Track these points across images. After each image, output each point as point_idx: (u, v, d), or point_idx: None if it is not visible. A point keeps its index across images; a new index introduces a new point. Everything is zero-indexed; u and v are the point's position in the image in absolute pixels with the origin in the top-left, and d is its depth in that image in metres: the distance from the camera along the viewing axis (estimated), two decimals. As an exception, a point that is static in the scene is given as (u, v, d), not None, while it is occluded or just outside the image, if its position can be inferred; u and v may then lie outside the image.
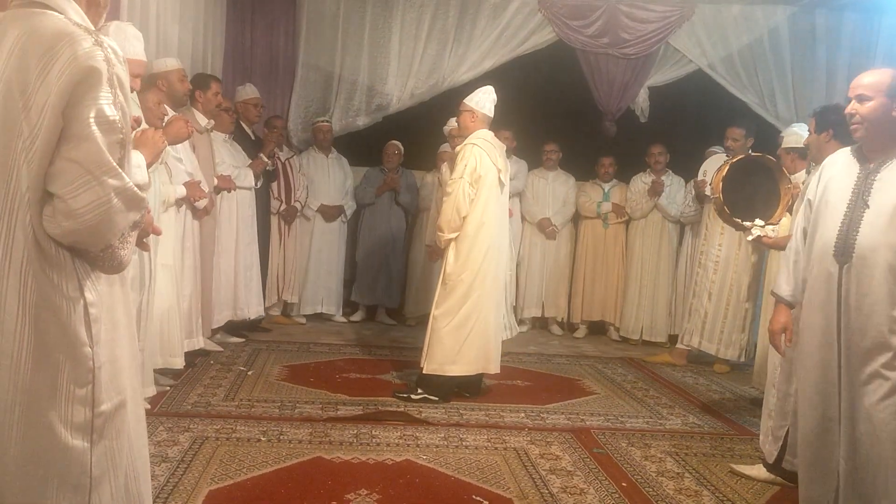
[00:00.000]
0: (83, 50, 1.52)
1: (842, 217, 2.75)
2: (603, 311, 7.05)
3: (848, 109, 2.76)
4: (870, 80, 2.72)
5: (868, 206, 2.69)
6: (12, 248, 1.51)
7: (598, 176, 7.03)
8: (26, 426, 1.50)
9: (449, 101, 6.56)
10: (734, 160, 4.53)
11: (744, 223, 4.21)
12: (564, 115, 7.24)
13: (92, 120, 1.51)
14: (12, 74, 1.51)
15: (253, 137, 6.10)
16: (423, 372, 4.61)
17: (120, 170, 1.54)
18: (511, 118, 6.14)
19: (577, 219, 7.18)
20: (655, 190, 6.56)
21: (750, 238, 4.18)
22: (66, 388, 1.54)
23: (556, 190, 7.04)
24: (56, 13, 1.58)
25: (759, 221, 4.10)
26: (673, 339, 6.53)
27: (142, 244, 1.86)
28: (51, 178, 1.51)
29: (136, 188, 1.58)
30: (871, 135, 2.72)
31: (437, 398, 4.57)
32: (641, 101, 7.13)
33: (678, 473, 3.70)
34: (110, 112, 1.54)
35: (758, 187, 4.40)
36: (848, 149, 2.91)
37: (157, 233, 1.92)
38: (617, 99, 7.08)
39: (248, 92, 6.14)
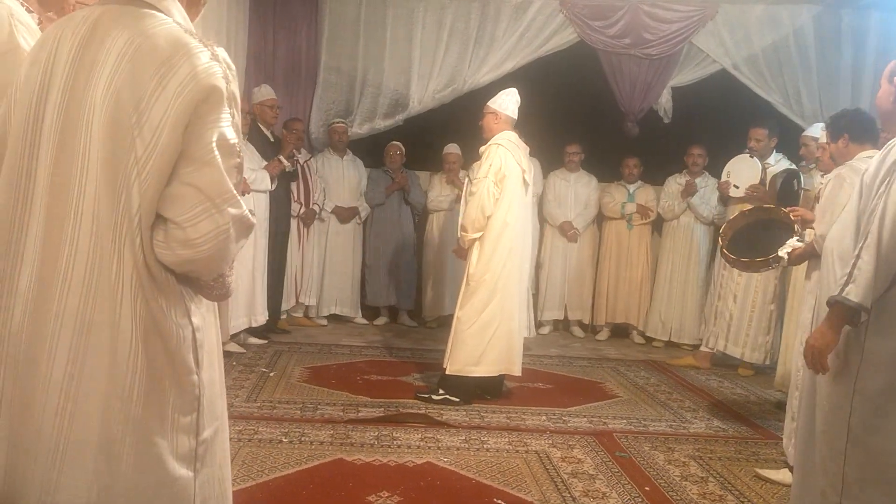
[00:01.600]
0: (203, 65, 1.42)
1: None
2: (626, 314, 7.00)
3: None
4: None
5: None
6: (123, 272, 1.41)
7: (623, 177, 6.99)
8: (136, 456, 1.43)
9: (462, 103, 6.59)
10: (740, 223, 4.23)
11: (769, 259, 3.84)
12: (586, 117, 7.21)
13: (214, 144, 1.42)
14: (124, 85, 1.40)
15: (272, 139, 6.12)
16: (446, 372, 4.59)
17: (238, 197, 1.46)
18: (532, 120, 6.12)
19: (600, 220, 7.15)
20: (688, 191, 6.51)
21: (784, 263, 3.84)
22: (173, 418, 1.47)
23: (578, 192, 7.00)
24: (162, 14, 1.48)
25: (784, 247, 3.75)
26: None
27: None
28: (166, 203, 1.41)
29: (250, 215, 1.51)
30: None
31: (458, 399, 4.56)
32: (664, 101, 7.08)
33: (702, 478, 3.66)
34: (230, 135, 1.45)
35: (761, 231, 4.14)
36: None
37: None
38: (639, 99, 7.02)
39: (264, 93, 6.13)
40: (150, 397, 1.44)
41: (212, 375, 1.59)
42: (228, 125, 1.46)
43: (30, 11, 1.96)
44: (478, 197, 4.55)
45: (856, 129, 3.51)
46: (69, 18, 1.55)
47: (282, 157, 5.84)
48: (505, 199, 4.56)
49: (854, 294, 2.22)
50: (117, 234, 1.41)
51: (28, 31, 1.90)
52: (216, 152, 1.42)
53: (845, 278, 2.26)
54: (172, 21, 1.49)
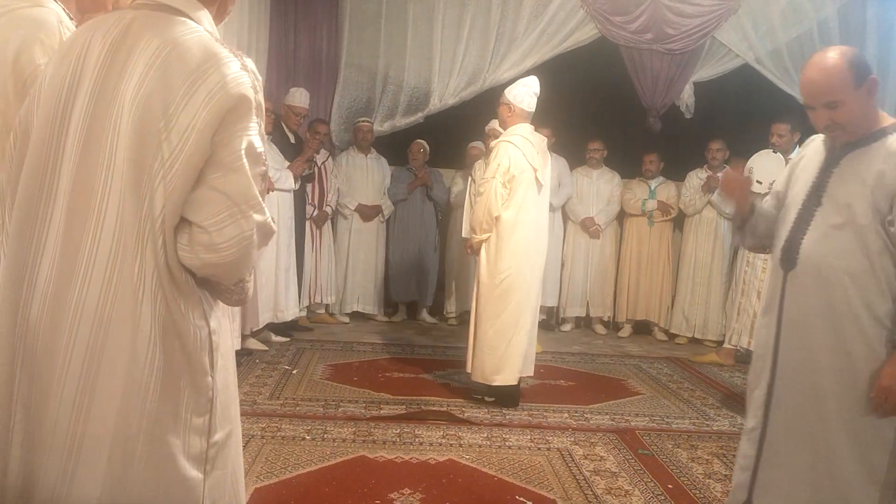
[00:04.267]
0: (233, 74, 1.45)
1: (794, 216, 2.38)
2: (647, 311, 6.97)
3: (818, 125, 2.31)
4: (827, 78, 2.24)
5: (821, 204, 2.31)
6: (145, 271, 1.44)
7: (643, 173, 6.95)
8: (149, 454, 1.46)
9: (485, 100, 6.57)
10: None
11: None
12: (608, 113, 7.17)
13: (243, 152, 1.44)
14: (154, 90, 1.43)
15: (293, 140, 6.15)
16: (472, 379, 4.55)
17: (263, 204, 1.49)
18: (553, 116, 6.11)
19: (622, 217, 7.12)
20: (709, 186, 6.46)
21: None
22: (187, 418, 1.50)
23: (600, 188, 6.98)
24: (193, 23, 1.51)
25: None
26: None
27: None
28: (193, 207, 1.44)
29: (272, 222, 1.54)
30: (852, 132, 2.29)
31: (505, 405, 4.51)
32: (686, 96, 7.02)
33: (726, 475, 3.63)
34: (258, 143, 1.48)
35: None
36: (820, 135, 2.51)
37: None
38: (661, 95, 6.98)
39: (298, 99, 6.16)
40: (166, 395, 1.46)
41: (226, 379, 1.61)
42: (256, 134, 1.49)
43: (71, 18, 1.98)
44: (484, 197, 4.43)
45: None
46: (101, 21, 1.56)
47: (302, 160, 5.86)
48: (515, 200, 4.41)
49: None
50: (140, 234, 1.43)
51: (94, 21, 1.92)
52: (244, 160, 1.45)
53: None
54: (203, 29, 1.51)
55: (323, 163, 6.53)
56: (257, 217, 1.47)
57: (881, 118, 2.30)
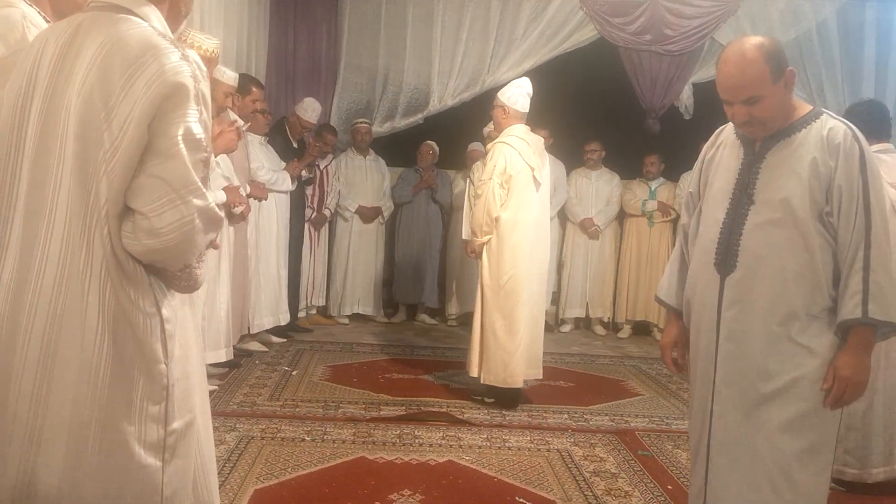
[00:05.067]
0: (171, 64, 1.48)
1: (723, 216, 2.24)
2: (647, 311, 6.97)
3: (736, 120, 2.21)
4: (746, 73, 2.13)
5: (753, 202, 2.19)
6: (92, 261, 1.48)
7: (644, 174, 6.96)
8: (102, 442, 1.48)
9: (484, 101, 6.57)
10: None
11: None
12: (607, 114, 7.18)
13: (180, 137, 1.47)
14: (95, 83, 1.47)
15: (295, 145, 6.16)
16: (482, 382, 4.53)
17: (204, 189, 1.52)
18: (552, 117, 6.11)
19: (621, 217, 7.12)
20: None
21: None
22: (141, 405, 1.52)
23: (599, 189, 6.99)
24: (139, 20, 1.55)
25: None
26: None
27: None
28: (133, 194, 1.47)
29: (217, 208, 1.57)
30: (770, 126, 2.19)
31: (505, 406, 4.51)
32: (685, 97, 7.03)
33: (725, 476, 3.63)
34: (197, 130, 1.51)
35: None
36: (730, 126, 2.36)
37: (216, 247, 1.90)
38: (660, 96, 6.98)
39: (308, 115, 6.17)
40: (118, 383, 1.49)
41: (186, 369, 1.63)
42: (195, 121, 1.51)
43: (48, 21, 2.00)
44: (483, 199, 4.44)
45: (867, 121, 3.39)
46: (56, 24, 1.63)
47: (301, 166, 5.86)
48: (513, 200, 4.42)
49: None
50: (87, 225, 1.48)
51: (50, 27, 1.94)
52: (181, 145, 1.48)
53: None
54: (148, 25, 1.55)
55: (326, 166, 6.53)
56: (197, 202, 1.49)
57: (797, 106, 2.23)
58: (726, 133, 2.36)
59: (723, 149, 2.34)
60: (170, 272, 1.56)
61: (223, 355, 4.72)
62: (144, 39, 1.50)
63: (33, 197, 1.50)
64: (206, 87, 1.56)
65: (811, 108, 2.24)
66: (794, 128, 2.19)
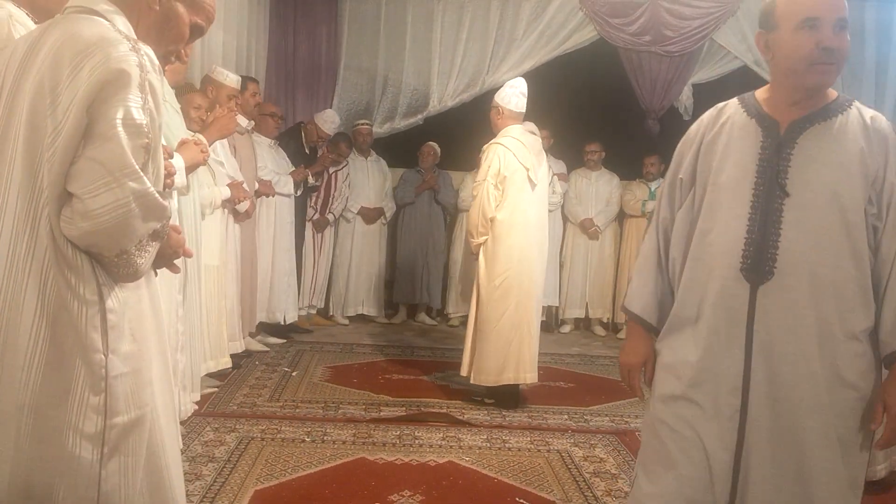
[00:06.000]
0: (117, 53, 1.50)
1: (748, 211, 1.85)
2: (647, 312, 6.95)
3: (823, 46, 1.77)
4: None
5: (788, 194, 1.82)
6: (35, 246, 1.49)
7: (644, 175, 6.96)
8: (34, 428, 1.48)
9: (484, 102, 6.57)
10: None
11: None
12: (607, 114, 7.18)
13: (118, 121, 1.48)
14: (45, 73, 1.49)
15: (307, 151, 6.18)
16: (471, 381, 4.53)
17: (142, 174, 1.50)
18: (552, 118, 6.13)
19: (621, 217, 7.13)
20: None
21: None
22: (81, 394, 1.50)
23: (599, 190, 6.99)
24: (102, 20, 1.57)
25: None
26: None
27: (171, 265, 1.80)
28: (71, 178, 1.48)
29: (157, 196, 1.55)
30: (831, 81, 1.86)
31: (505, 407, 4.51)
32: (685, 98, 7.04)
33: (725, 477, 3.63)
34: (137, 115, 1.51)
35: None
36: (735, 103, 2.00)
37: (189, 255, 1.86)
38: (660, 97, 6.99)
39: (328, 126, 6.29)
40: (53, 369, 1.48)
41: (138, 364, 1.60)
42: (137, 107, 1.51)
43: (36, 22, 2.03)
44: (478, 201, 4.46)
45: None
46: (32, 30, 1.68)
47: (308, 170, 5.89)
48: (508, 201, 4.42)
49: None
50: (32, 211, 1.49)
51: (27, 31, 1.97)
52: (119, 128, 1.48)
53: None
54: (109, 25, 1.57)
55: (335, 171, 6.54)
56: (133, 185, 1.48)
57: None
58: (732, 111, 1.98)
59: (729, 129, 1.95)
60: (106, 258, 1.54)
61: (238, 346, 4.92)
62: (97, 33, 1.52)
63: None
64: (155, 79, 1.56)
65: (838, 93, 1.92)
66: (832, 110, 1.86)
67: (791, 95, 1.87)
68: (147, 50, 1.57)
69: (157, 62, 1.59)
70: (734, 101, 2.00)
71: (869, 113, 1.87)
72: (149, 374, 1.64)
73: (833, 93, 1.90)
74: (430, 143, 7.03)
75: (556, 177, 6.49)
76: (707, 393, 1.88)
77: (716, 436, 1.86)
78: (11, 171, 1.50)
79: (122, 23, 1.61)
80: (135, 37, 1.60)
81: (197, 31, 1.77)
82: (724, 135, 1.94)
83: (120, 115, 1.48)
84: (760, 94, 1.96)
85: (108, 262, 1.55)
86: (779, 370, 1.81)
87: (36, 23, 2.04)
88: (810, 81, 1.81)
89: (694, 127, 2.06)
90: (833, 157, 1.81)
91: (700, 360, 1.90)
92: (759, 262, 1.82)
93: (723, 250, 1.87)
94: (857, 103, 1.89)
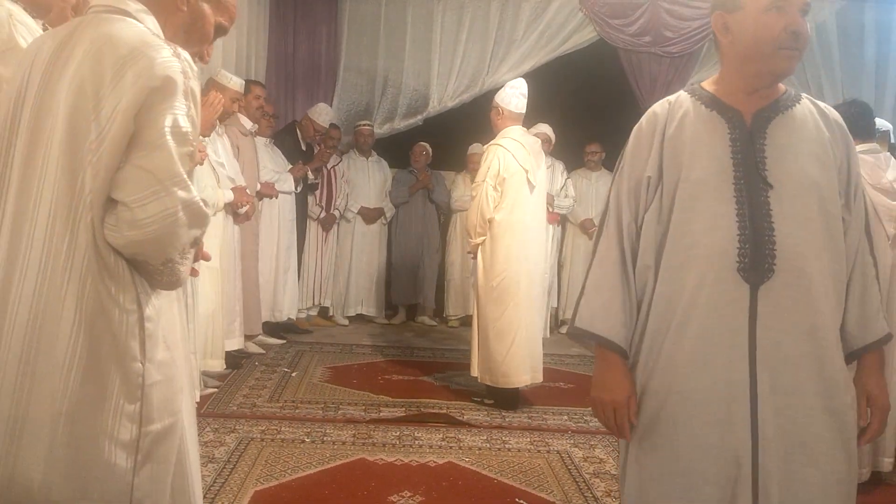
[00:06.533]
0: (161, 58, 1.48)
1: (734, 207, 1.70)
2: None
3: (790, 30, 1.69)
4: None
5: (771, 186, 1.70)
6: (74, 252, 1.46)
7: (642, 176, 6.95)
8: (70, 435, 1.46)
9: (484, 103, 6.58)
10: None
11: None
12: (606, 115, 7.18)
13: (167, 129, 1.46)
14: (86, 76, 1.47)
15: (304, 148, 6.18)
16: (479, 381, 4.54)
17: (189, 183, 1.50)
18: (552, 118, 6.13)
19: (620, 219, 7.11)
20: None
21: None
22: (116, 402, 1.49)
23: (599, 190, 6.98)
24: (135, 21, 1.56)
25: None
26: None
27: (192, 270, 1.79)
28: (118, 185, 1.46)
29: (202, 204, 1.54)
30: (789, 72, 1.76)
31: (504, 407, 4.51)
32: (685, 99, 7.04)
33: (725, 478, 3.63)
34: (184, 123, 1.50)
35: None
36: (685, 95, 1.87)
37: (207, 258, 1.85)
38: (659, 98, 6.92)
39: (321, 118, 6.26)
40: (91, 377, 1.47)
41: (171, 372, 1.59)
42: (183, 114, 1.51)
43: (33, 17, 2.02)
44: (477, 201, 4.47)
45: (852, 120, 3.23)
46: (56, 28, 1.65)
47: (307, 166, 5.89)
48: (507, 202, 4.43)
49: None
50: (71, 216, 1.46)
51: (28, 31, 1.97)
52: (168, 137, 1.47)
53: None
54: (143, 26, 1.56)
55: (333, 167, 6.54)
56: (181, 194, 1.48)
57: None
58: (686, 104, 1.84)
59: (689, 122, 1.80)
60: (151, 266, 1.53)
61: (235, 343, 4.95)
62: (139, 37, 1.51)
63: (22, 192, 1.50)
64: (195, 85, 1.56)
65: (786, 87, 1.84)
66: (790, 100, 1.79)
67: (751, 83, 1.76)
68: (185, 55, 1.56)
69: (195, 67, 1.57)
70: (682, 94, 1.88)
71: (821, 104, 1.82)
72: (181, 382, 1.63)
73: (782, 86, 1.82)
74: (422, 143, 7.04)
75: (568, 180, 6.47)
76: (711, 412, 1.68)
77: (714, 457, 1.69)
78: (45, 171, 1.48)
79: (152, 23, 1.60)
80: (163, 37, 1.59)
81: (220, 32, 1.76)
82: (686, 128, 1.79)
83: (168, 122, 1.47)
84: (709, 85, 1.85)
85: (153, 271, 1.53)
86: (782, 376, 1.66)
87: (33, 17, 2.03)
88: (776, 66, 1.72)
89: (646, 122, 1.90)
90: (805, 147, 1.73)
91: (696, 377, 1.69)
92: (757, 260, 1.67)
93: (712, 251, 1.70)
94: (805, 95, 1.84)
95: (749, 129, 1.75)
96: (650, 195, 1.80)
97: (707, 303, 1.69)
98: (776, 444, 1.66)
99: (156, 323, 1.56)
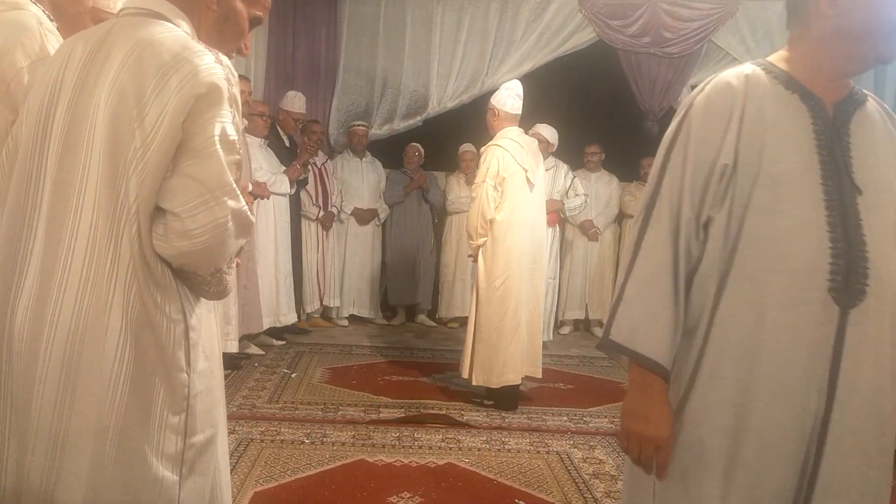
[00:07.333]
0: (205, 65, 1.45)
1: (824, 213, 1.44)
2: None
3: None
4: None
5: (861, 191, 1.46)
6: (119, 262, 1.42)
7: (641, 177, 6.96)
8: (118, 450, 1.42)
9: (483, 104, 6.57)
10: None
11: None
12: (606, 116, 7.19)
13: (216, 137, 1.43)
14: (128, 82, 1.43)
15: (288, 144, 6.16)
16: (473, 383, 4.53)
17: (238, 192, 1.48)
18: (552, 119, 6.12)
19: (620, 219, 7.13)
20: None
21: None
22: (161, 414, 1.46)
23: (598, 191, 6.99)
24: (171, 24, 1.53)
25: None
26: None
27: None
28: (166, 194, 1.42)
29: (248, 212, 1.52)
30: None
31: (504, 408, 4.51)
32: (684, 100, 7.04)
33: (725, 478, 3.63)
34: (231, 132, 1.48)
35: None
36: (760, 72, 1.57)
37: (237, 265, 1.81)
38: (659, 98, 6.99)
39: (296, 106, 6.16)
40: (137, 389, 1.43)
41: (210, 382, 1.58)
42: (230, 122, 1.49)
43: (52, 21, 2.00)
44: (477, 202, 4.47)
45: None
46: (86, 31, 1.60)
47: (297, 164, 5.87)
48: (507, 202, 4.44)
49: None
50: (115, 225, 1.42)
51: (56, 38, 1.93)
52: (218, 146, 1.44)
53: None
54: (180, 30, 1.53)
55: (322, 164, 6.53)
56: (231, 203, 1.46)
57: None
58: (765, 81, 1.54)
59: (769, 104, 1.51)
60: (200, 277, 1.51)
61: (232, 346, 4.91)
62: (180, 42, 1.47)
63: (58, 198, 1.46)
64: (237, 91, 1.54)
65: None
66: (860, 94, 1.57)
67: (843, 67, 1.50)
68: (226, 60, 1.54)
69: (235, 73, 1.55)
70: (756, 69, 1.58)
71: (884, 104, 1.61)
72: (220, 392, 1.62)
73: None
74: (414, 143, 7.04)
75: (575, 179, 6.45)
76: (787, 454, 1.45)
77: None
78: (85, 182, 1.43)
79: (187, 26, 1.57)
80: (197, 38, 1.56)
81: (255, 23, 1.72)
82: (767, 111, 1.49)
83: (217, 131, 1.44)
84: (781, 62, 1.58)
85: (201, 282, 1.51)
86: (856, 412, 1.42)
87: (51, 20, 2.01)
88: (886, 51, 1.46)
89: (718, 95, 1.54)
90: (881, 150, 1.50)
91: (772, 414, 1.44)
92: (850, 279, 1.41)
93: (800, 265, 1.42)
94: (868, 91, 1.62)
95: (834, 122, 1.49)
96: (722, 188, 1.48)
97: (788, 325, 1.43)
98: (837, 483, 1.44)
99: (198, 332, 1.54)
